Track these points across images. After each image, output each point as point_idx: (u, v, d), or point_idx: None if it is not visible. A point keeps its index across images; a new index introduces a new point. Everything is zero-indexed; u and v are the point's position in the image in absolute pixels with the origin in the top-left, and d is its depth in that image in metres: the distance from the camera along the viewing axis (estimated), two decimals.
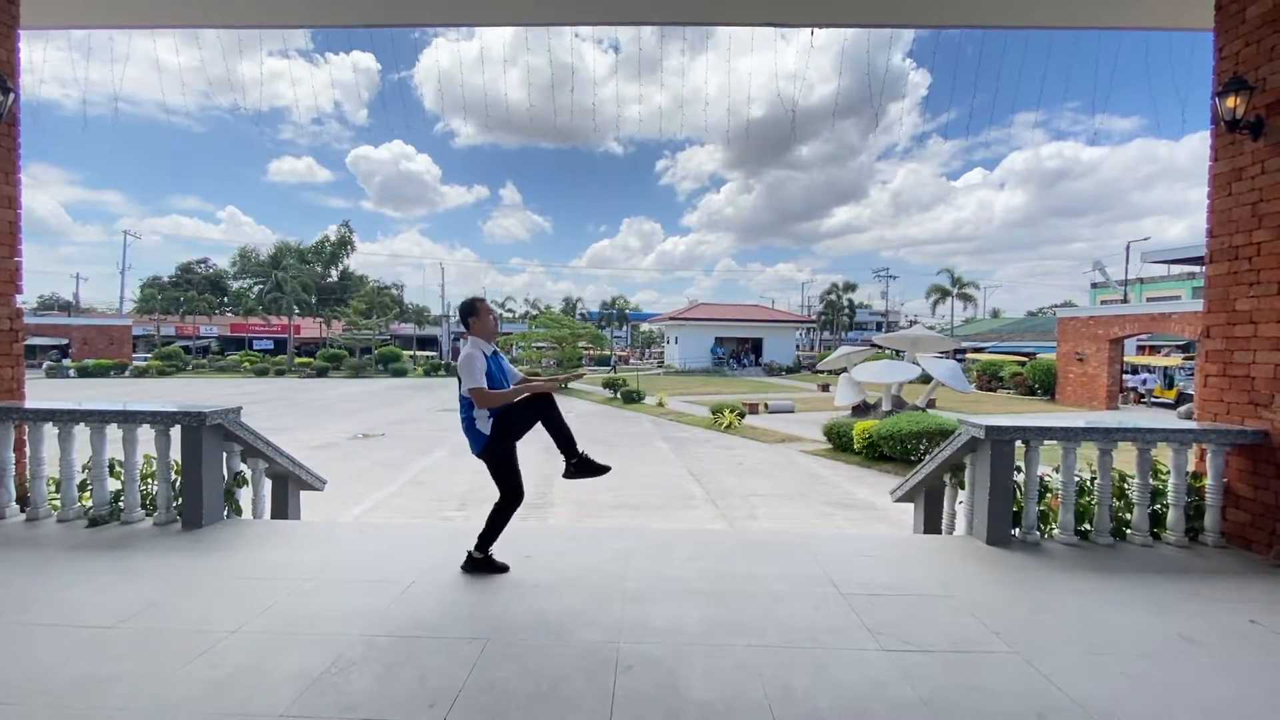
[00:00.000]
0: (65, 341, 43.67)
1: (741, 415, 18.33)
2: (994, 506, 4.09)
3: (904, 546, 4.38)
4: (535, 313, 58.84)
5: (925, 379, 18.68)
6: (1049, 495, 4.40)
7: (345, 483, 9.92)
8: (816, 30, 5.52)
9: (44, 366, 39.50)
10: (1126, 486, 4.38)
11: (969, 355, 40.58)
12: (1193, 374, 17.09)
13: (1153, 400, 26.14)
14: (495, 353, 3.62)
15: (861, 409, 18.16)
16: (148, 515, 4.45)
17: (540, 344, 38.54)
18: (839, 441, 14.05)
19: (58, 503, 4.47)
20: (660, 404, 22.91)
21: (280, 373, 42.28)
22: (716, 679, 2.48)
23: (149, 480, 4.57)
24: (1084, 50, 5.30)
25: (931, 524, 5.27)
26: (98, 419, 4.28)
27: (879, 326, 67.96)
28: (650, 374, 40.51)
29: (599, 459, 3.62)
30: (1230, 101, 3.98)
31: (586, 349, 45.63)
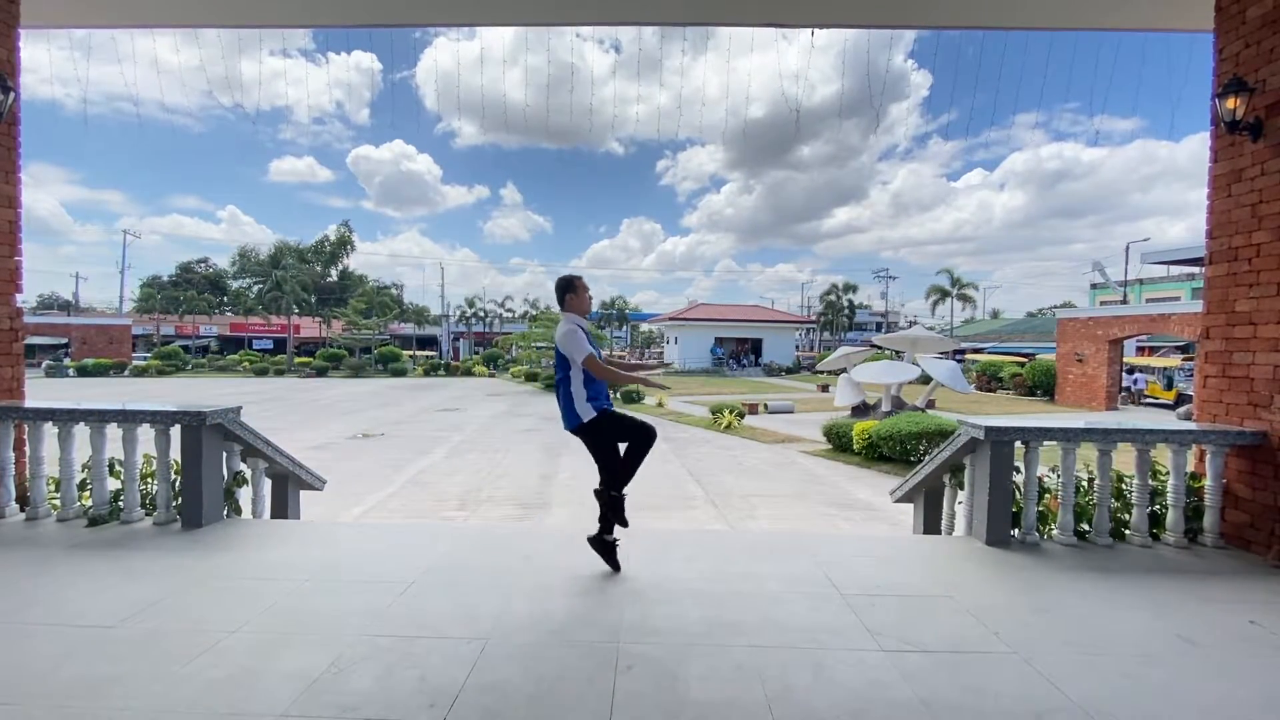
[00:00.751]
0: (65, 341, 43.67)
1: (741, 416, 18.33)
2: (993, 507, 4.10)
3: (903, 547, 4.39)
4: (535, 313, 58.80)
5: (925, 380, 18.68)
6: (1048, 496, 4.41)
7: (345, 483, 9.92)
8: (817, 31, 5.52)
9: (43, 366, 39.49)
10: (1125, 487, 4.38)
11: (968, 356, 40.57)
12: (1192, 375, 17.12)
13: (1145, 400, 26.23)
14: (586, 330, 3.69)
15: (861, 409, 18.16)
16: (147, 515, 4.45)
17: (540, 344, 38.50)
18: (838, 442, 14.06)
19: (57, 502, 4.47)
20: (660, 404, 22.91)
21: (280, 372, 42.30)
22: (716, 679, 2.48)
23: (149, 480, 4.56)
24: (1084, 51, 5.31)
25: (931, 524, 5.27)
26: (97, 418, 4.28)
27: (879, 327, 67.80)
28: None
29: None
30: (1230, 103, 3.98)
31: None
